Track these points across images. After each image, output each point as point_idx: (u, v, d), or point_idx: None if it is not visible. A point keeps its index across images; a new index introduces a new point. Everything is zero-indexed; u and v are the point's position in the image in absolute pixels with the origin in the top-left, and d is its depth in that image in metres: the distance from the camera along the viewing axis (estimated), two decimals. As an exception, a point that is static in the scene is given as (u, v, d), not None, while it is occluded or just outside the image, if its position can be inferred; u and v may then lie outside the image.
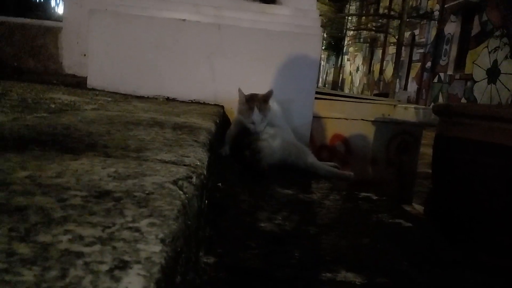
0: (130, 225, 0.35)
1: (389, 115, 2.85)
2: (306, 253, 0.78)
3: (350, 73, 24.15)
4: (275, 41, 1.80)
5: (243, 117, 1.51)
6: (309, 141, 2.00)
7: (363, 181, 2.82)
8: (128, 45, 1.79)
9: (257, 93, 1.56)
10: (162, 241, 0.33)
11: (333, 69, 27.30)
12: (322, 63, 29.52)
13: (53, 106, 1.14)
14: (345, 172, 1.56)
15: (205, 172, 0.65)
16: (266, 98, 1.51)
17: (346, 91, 23.57)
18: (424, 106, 3.01)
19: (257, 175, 1.35)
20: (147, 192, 0.45)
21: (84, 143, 0.68)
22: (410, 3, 15.18)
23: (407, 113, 2.89)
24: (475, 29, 12.38)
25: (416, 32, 16.10)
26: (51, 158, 0.55)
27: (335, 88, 23.66)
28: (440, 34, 14.51)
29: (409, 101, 15.73)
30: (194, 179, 0.56)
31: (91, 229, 0.33)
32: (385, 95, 12.90)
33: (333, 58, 27.17)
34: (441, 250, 1.39)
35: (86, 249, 0.29)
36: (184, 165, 0.61)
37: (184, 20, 1.77)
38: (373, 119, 2.82)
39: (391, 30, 15.86)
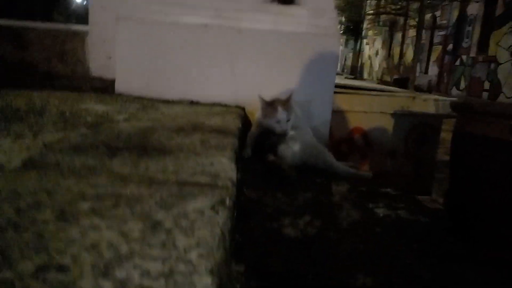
0: (184, 257, 0.43)
1: (408, 107, 2.86)
2: (327, 259, 0.85)
3: (369, 57, 23.77)
4: (293, 42, 1.85)
5: (268, 120, 1.56)
6: (328, 137, 2.06)
7: (383, 173, 2.86)
8: (153, 50, 1.87)
9: (278, 97, 1.62)
10: (212, 272, 0.41)
11: (351, 53, 26.90)
12: (341, 47, 29.10)
13: (89, 119, 1.23)
14: (363, 172, 1.62)
15: (235, 192, 0.73)
16: (287, 99, 1.57)
17: (365, 76, 23.27)
18: (443, 98, 3.01)
19: (283, 180, 1.42)
20: (191, 220, 0.53)
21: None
22: (431, -17, 14.76)
23: (426, 105, 2.90)
24: (499, 9, 12.01)
25: (438, 14, 15.70)
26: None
27: (354, 73, 23.38)
28: (462, 15, 14.11)
29: (430, 85, 15.44)
30: (227, 202, 0.64)
31: (155, 263, 0.41)
32: (405, 79, 12.71)
33: (351, 42, 26.74)
34: (454, 245, 1.45)
35: (155, 284, 0.37)
36: (217, 187, 0.68)
37: (206, 25, 1.84)
38: (392, 112, 2.83)
39: (411, 12, 15.47)
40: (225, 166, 0.83)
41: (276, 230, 0.99)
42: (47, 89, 1.82)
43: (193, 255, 0.44)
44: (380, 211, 1.65)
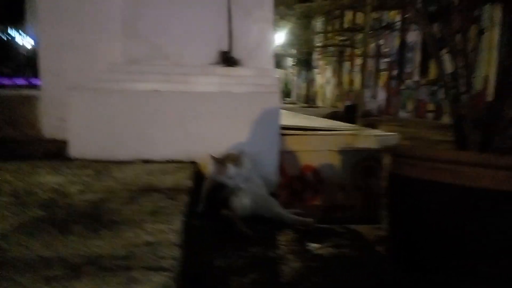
0: None
1: (352, 143, 3.08)
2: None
3: (322, 86, 24.73)
4: (240, 101, 2.01)
5: (221, 177, 1.70)
6: (276, 184, 2.21)
7: (334, 206, 3.02)
8: (105, 117, 1.97)
9: (228, 153, 1.77)
10: None
11: (304, 83, 27.87)
12: (294, 78, 30.12)
13: (45, 197, 1.30)
14: (306, 219, 1.76)
15: (179, 270, 0.83)
16: (238, 155, 1.72)
17: (320, 103, 24.11)
18: (383, 133, 3.25)
19: (234, 234, 1.53)
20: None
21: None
22: (372, 16, 15.79)
23: (368, 140, 3.13)
24: (436, 35, 13.01)
25: (381, 42, 16.75)
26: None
27: (307, 101, 24.15)
28: (403, 42, 15.15)
29: (379, 109, 16.24)
30: (171, 284, 0.74)
31: None
32: (355, 106, 13.29)
33: (304, 72, 27.75)
34: (394, 279, 1.60)
35: None
36: (163, 270, 0.79)
37: (156, 90, 1.96)
38: (338, 149, 3.03)
39: (356, 43, 16.42)
40: (171, 242, 0.93)
41: (225, 291, 1.09)
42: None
43: None
44: (326, 252, 1.79)
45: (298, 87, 30.44)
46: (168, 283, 0.73)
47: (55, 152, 2.14)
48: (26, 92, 2.58)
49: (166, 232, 1.00)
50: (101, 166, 1.84)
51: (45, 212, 1.15)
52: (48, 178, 1.56)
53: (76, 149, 2.00)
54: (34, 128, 2.51)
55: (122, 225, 1.05)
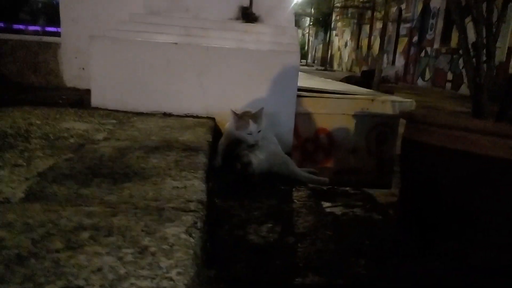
0: (166, 275, 0.60)
1: (367, 109, 3.08)
2: (284, 261, 1.04)
3: (339, 49, 24.21)
4: (258, 58, 2.02)
5: (240, 132, 1.73)
6: (291, 144, 2.25)
7: (346, 169, 3.08)
8: (126, 67, 2.00)
9: (248, 110, 1.80)
10: (187, 286, 0.58)
11: (321, 45, 27.27)
12: (311, 39, 29.45)
13: (72, 141, 1.37)
14: (321, 178, 1.82)
15: (205, 212, 0.90)
16: (258, 112, 1.75)
17: (335, 67, 23.71)
18: (400, 99, 3.24)
19: (248, 187, 1.60)
20: (171, 244, 0.70)
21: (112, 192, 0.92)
22: (396, -23, 15.17)
23: (384, 106, 3.13)
24: (462, 2, 12.52)
25: (403, 7, 16.19)
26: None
27: (324, 65, 23.78)
28: (426, 8, 14.63)
29: (397, 76, 15.97)
30: (199, 224, 0.80)
31: (146, 281, 0.58)
32: (372, 71, 13.06)
33: (321, 33, 27.08)
34: (402, 241, 1.67)
35: (147, 298, 0.54)
36: (190, 211, 0.85)
37: (176, 43, 1.98)
38: (353, 113, 3.05)
39: (377, 6, 15.87)
40: (196, 189, 0.99)
41: (242, 237, 1.16)
42: (25, 105, 1.91)
43: (173, 273, 0.61)
44: (338, 210, 1.86)
45: (315, 48, 29.87)
46: (197, 223, 0.80)
47: (77, 100, 2.20)
48: (46, 38, 2.60)
49: (191, 179, 1.06)
50: (123, 116, 1.90)
51: (75, 155, 1.21)
52: (74, 125, 1.62)
53: (97, 99, 2.05)
54: (56, 75, 2.56)
55: (149, 171, 1.11)
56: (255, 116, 1.72)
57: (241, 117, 1.71)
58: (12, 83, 2.52)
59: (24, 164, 1.09)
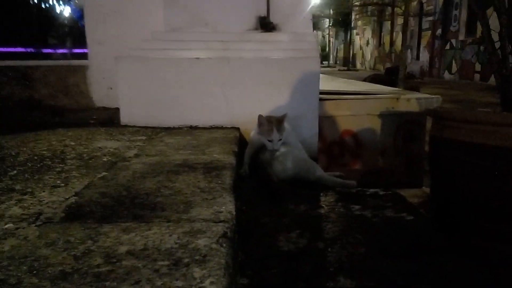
0: (200, 285, 0.63)
1: (393, 108, 3.05)
2: (314, 267, 1.05)
3: (361, 47, 23.95)
4: (278, 66, 2.05)
5: (264, 136, 1.78)
6: (316, 148, 2.26)
7: (375, 170, 3.05)
8: (152, 84, 2.07)
9: (272, 115, 1.83)
10: (220, 295, 0.61)
11: (342, 45, 27.06)
12: (332, 39, 29.27)
13: (105, 159, 1.43)
14: (348, 181, 1.82)
15: (234, 221, 0.93)
16: (281, 119, 1.78)
17: (358, 66, 23.45)
18: (426, 95, 3.19)
19: (275, 194, 1.62)
20: (203, 254, 0.73)
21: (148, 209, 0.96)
22: (415, -29, 14.92)
23: (409, 104, 3.09)
24: (484, -10, 12.17)
25: (424, 0, 15.87)
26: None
27: (346, 64, 23.57)
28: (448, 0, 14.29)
29: (422, 71, 15.62)
30: (229, 233, 0.83)
31: (181, 292, 0.61)
32: (396, 68, 12.85)
33: (341, 34, 26.88)
34: (434, 240, 1.64)
35: (184, 307, 0.57)
36: (220, 222, 0.88)
37: (198, 58, 2.03)
38: (378, 113, 3.02)
39: (397, 1, 15.63)
40: (225, 200, 1.02)
41: (273, 244, 1.18)
42: (59, 128, 2.01)
43: (206, 283, 0.64)
44: (368, 213, 1.85)
45: (336, 49, 29.66)
46: (227, 233, 0.82)
47: (107, 119, 2.29)
48: (74, 62, 2.73)
49: (219, 190, 1.10)
50: (151, 132, 1.96)
51: (109, 172, 1.27)
52: (105, 143, 1.70)
53: (126, 116, 2.13)
54: (86, 97, 2.67)
55: (178, 183, 1.15)
56: (279, 123, 1.75)
57: (268, 122, 1.75)
58: (46, 107, 2.64)
59: (62, 184, 1.15)
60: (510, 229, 1.58)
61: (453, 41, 13.94)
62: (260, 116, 1.78)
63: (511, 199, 1.58)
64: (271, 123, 1.76)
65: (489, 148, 1.64)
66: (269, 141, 1.76)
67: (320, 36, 31.17)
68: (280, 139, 1.76)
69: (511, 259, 1.55)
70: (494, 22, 1.89)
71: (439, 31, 14.88)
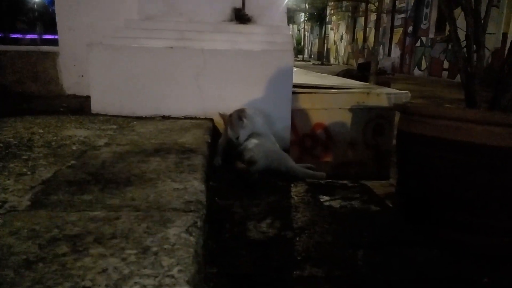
0: (168, 273, 0.64)
1: (363, 102, 3.11)
2: (283, 255, 1.07)
3: (335, 42, 24.20)
4: (252, 59, 2.05)
5: (230, 132, 1.82)
6: (288, 141, 2.29)
7: (344, 162, 3.12)
8: (124, 73, 2.04)
9: (241, 108, 1.87)
10: (188, 282, 0.61)
11: (317, 39, 27.26)
12: (307, 34, 29.42)
13: (74, 148, 1.40)
14: (318, 173, 1.85)
15: (205, 211, 0.93)
16: (242, 111, 1.83)
17: (332, 60, 23.71)
18: (395, 91, 3.27)
19: (247, 185, 1.63)
20: (172, 244, 0.73)
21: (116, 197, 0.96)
22: (389, -32, 15.15)
23: (379, 99, 3.16)
24: (454, -10, 12.52)
25: (397, -3, 16.17)
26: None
27: (320, 59, 23.77)
28: (420, -2, 14.61)
29: (393, 67, 15.96)
30: (199, 223, 0.84)
31: (149, 279, 0.61)
32: (368, 64, 13.08)
33: (317, 28, 27.06)
34: (401, 231, 1.70)
35: (151, 294, 0.58)
36: (190, 211, 0.89)
37: (171, 47, 2.01)
38: (349, 107, 3.08)
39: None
40: (196, 190, 1.03)
41: (243, 233, 1.20)
42: (27, 115, 1.95)
43: (174, 271, 0.64)
44: (336, 203, 1.90)
45: (311, 43, 29.84)
46: (197, 222, 0.83)
47: (78, 107, 2.24)
48: (44, 48, 2.64)
49: (190, 180, 1.10)
50: (123, 121, 1.93)
51: (78, 161, 1.25)
52: (75, 132, 1.66)
53: (98, 105, 2.09)
54: (56, 84, 2.60)
55: (150, 174, 1.14)
56: (240, 115, 1.81)
57: (227, 119, 1.83)
58: (13, 93, 2.55)
59: (29, 172, 1.12)
60: (477, 220, 1.66)
61: (423, 38, 14.31)
62: (220, 114, 1.90)
63: (476, 192, 1.66)
64: (232, 117, 1.83)
65: (453, 143, 1.71)
66: (236, 134, 1.82)
67: (296, 30, 31.26)
68: (244, 133, 1.83)
69: (477, 249, 1.63)
70: (461, 22, 1.95)
71: (410, 29, 15.23)
